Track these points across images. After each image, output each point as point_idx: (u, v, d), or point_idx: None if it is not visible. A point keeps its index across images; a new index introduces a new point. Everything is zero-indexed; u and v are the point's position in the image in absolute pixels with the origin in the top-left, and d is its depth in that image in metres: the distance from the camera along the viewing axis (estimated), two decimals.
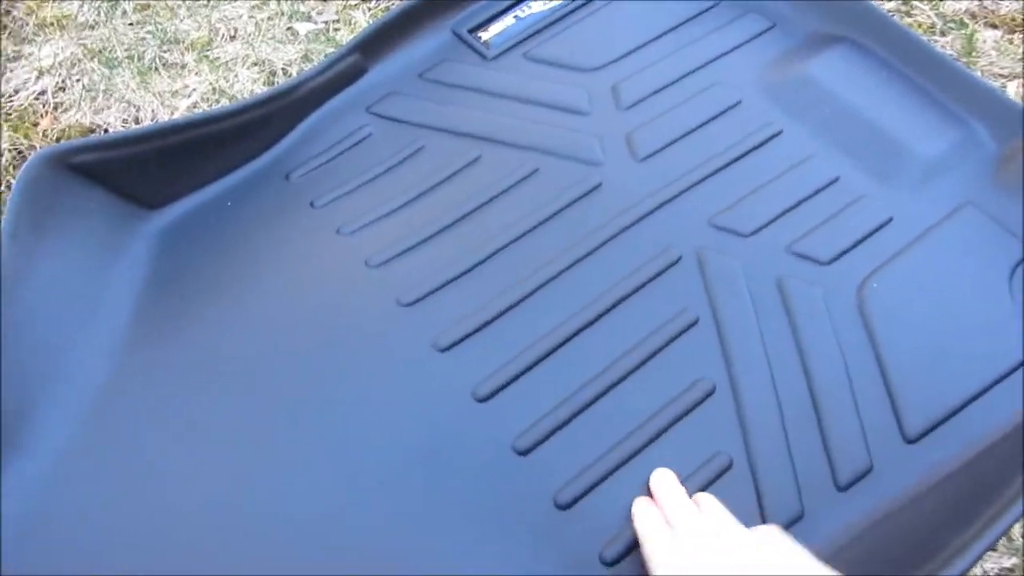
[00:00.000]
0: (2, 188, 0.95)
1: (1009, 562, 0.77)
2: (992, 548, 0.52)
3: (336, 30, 1.08)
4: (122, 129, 1.01)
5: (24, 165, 0.70)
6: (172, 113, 1.01)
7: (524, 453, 0.63)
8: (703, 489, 0.61)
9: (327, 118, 0.87)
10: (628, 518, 0.60)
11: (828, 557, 0.58)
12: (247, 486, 0.62)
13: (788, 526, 0.60)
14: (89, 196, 0.75)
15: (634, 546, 0.59)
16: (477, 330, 0.68)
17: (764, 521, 0.60)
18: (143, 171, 0.77)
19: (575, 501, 0.61)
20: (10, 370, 0.63)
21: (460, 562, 0.59)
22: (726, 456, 0.62)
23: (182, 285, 0.75)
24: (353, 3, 1.11)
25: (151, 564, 0.59)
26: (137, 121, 1.01)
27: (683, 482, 0.61)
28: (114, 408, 0.66)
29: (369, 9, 1.11)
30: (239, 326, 0.71)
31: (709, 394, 0.65)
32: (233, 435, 0.65)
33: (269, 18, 1.09)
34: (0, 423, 0.62)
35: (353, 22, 1.09)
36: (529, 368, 0.66)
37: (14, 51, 0.99)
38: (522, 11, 0.94)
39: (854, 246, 0.72)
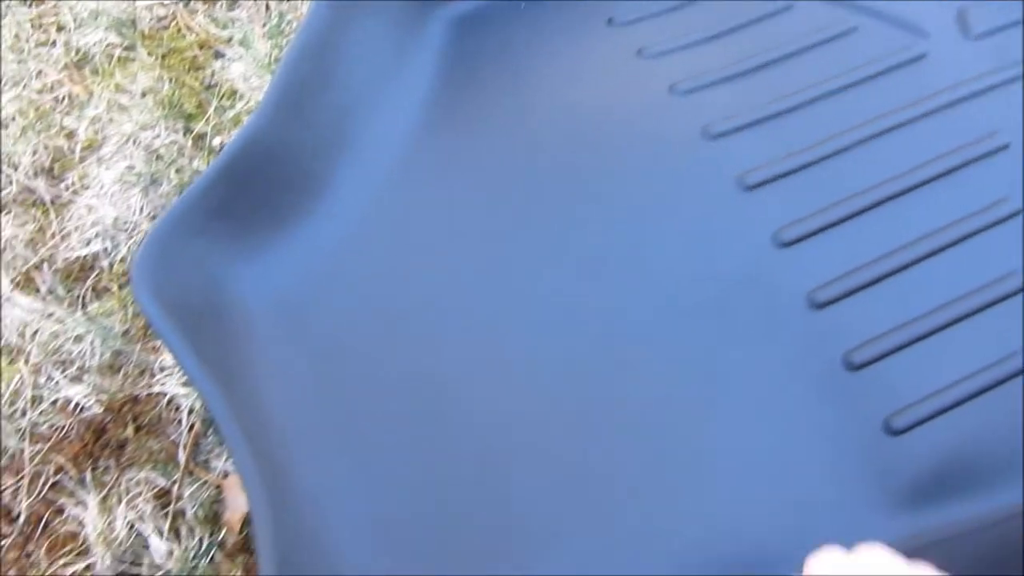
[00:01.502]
0: None
1: None
2: None
3: None
4: None
5: None
6: None
7: (820, 307, 0.61)
8: (1004, 382, 0.59)
9: None
10: (922, 392, 0.58)
11: None
12: (522, 291, 0.63)
13: None
14: None
15: (923, 421, 0.58)
16: (786, 175, 0.66)
17: None
18: None
19: (867, 364, 0.59)
20: (313, 129, 0.64)
21: (736, 410, 0.58)
22: None
23: (474, 76, 0.74)
24: None
25: (419, 341, 0.61)
26: None
27: (984, 371, 0.59)
28: (406, 187, 0.67)
29: None
30: (527, 130, 0.70)
31: (1022, 289, 0.61)
32: (518, 237, 0.65)
33: None
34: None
35: None
36: (836, 223, 0.64)
37: None
38: None
39: None
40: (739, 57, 0.73)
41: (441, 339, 0.62)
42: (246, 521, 0.68)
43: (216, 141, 0.84)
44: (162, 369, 0.74)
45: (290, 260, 0.64)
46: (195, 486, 0.70)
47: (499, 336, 0.62)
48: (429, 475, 0.57)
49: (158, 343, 0.76)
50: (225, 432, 0.52)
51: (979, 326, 0.60)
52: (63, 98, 0.88)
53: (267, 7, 0.92)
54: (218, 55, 0.89)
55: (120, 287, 0.78)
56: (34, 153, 0.84)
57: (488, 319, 0.63)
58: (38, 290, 0.78)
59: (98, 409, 0.73)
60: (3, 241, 0.80)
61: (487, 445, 0.58)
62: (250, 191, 0.62)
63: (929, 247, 0.63)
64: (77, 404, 0.73)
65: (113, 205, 0.81)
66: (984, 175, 0.66)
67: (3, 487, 0.70)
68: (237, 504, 0.68)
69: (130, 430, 0.73)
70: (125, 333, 0.76)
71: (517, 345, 0.62)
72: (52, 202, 0.83)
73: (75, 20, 0.91)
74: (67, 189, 0.84)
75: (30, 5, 0.93)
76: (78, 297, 0.79)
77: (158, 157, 0.83)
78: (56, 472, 0.71)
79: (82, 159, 0.85)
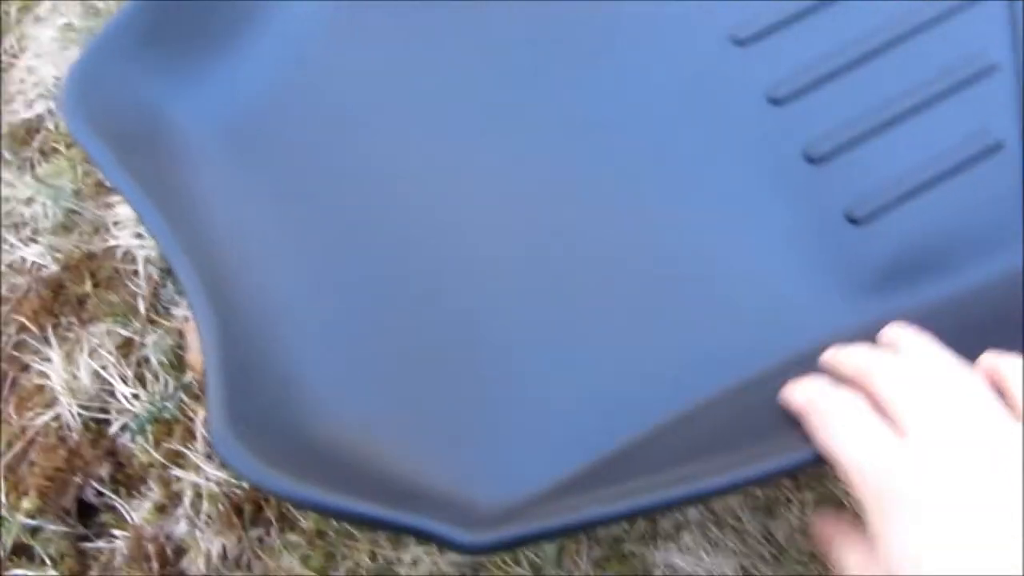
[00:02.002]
0: None
1: None
2: None
3: None
4: None
5: None
6: None
7: (779, 102, 0.59)
8: (964, 167, 0.58)
9: None
10: (883, 181, 0.57)
11: None
12: (483, 113, 0.61)
13: None
14: None
15: (882, 210, 0.57)
16: None
17: None
18: None
19: (827, 156, 0.58)
20: None
21: (700, 212, 0.58)
22: (996, 136, 0.58)
23: None
24: None
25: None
26: None
27: (944, 156, 0.58)
28: (358, 13, 0.64)
29: None
30: None
31: (989, 70, 0.59)
32: (482, 66, 0.63)
33: None
34: None
35: None
36: (793, 18, 0.62)
37: None
38: None
39: None
40: None
41: (401, 160, 0.61)
42: None
43: None
44: (116, 223, 0.73)
45: (231, 85, 0.62)
46: (157, 334, 0.69)
47: (460, 162, 0.60)
48: (393, 309, 0.56)
49: (111, 199, 0.74)
50: (169, 258, 0.51)
51: (942, 111, 0.59)
52: None
53: None
54: None
55: (67, 147, 0.76)
56: None
57: (450, 147, 0.61)
58: None
59: (55, 267, 0.72)
60: None
61: (457, 276, 0.57)
62: (182, 14, 0.60)
63: (890, 35, 0.61)
64: (34, 263, 0.72)
65: (54, 64, 0.78)
66: None
67: None
68: (197, 344, 0.67)
69: (88, 285, 0.71)
70: (77, 192, 0.75)
71: (479, 165, 0.60)
72: None
73: None
74: (6, 53, 0.81)
75: None
76: (26, 160, 0.77)
77: (95, 12, 0.80)
78: (19, 332, 0.70)
79: (18, 21, 0.82)
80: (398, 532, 0.49)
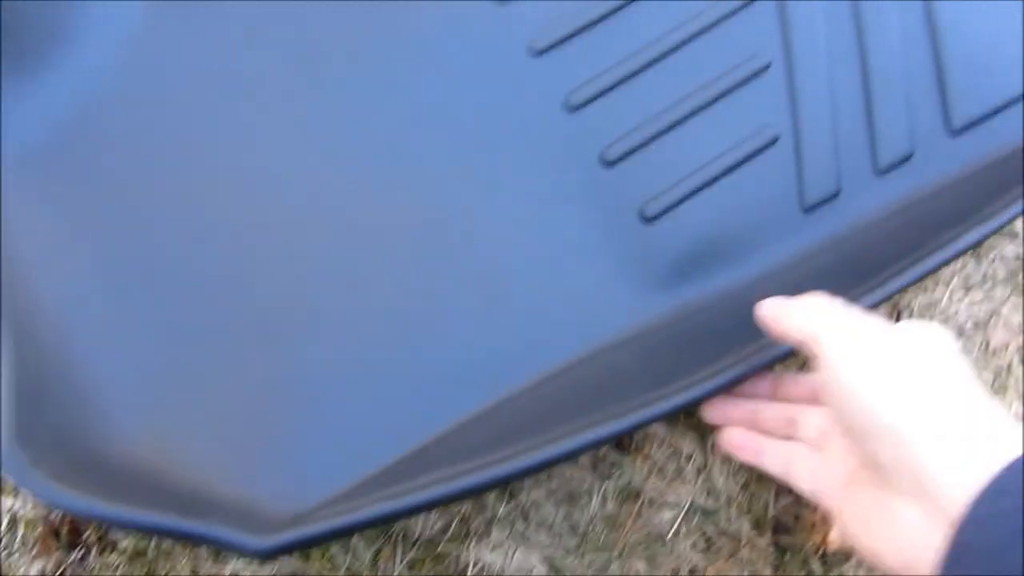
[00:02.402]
0: None
1: None
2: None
3: None
4: None
5: None
6: None
7: (576, 109, 0.63)
8: (745, 161, 0.62)
9: None
10: (671, 180, 0.61)
11: (857, 231, 0.60)
12: (289, 120, 0.63)
13: (822, 203, 0.61)
14: None
15: (673, 206, 0.60)
16: None
17: (801, 198, 0.61)
18: None
19: (621, 159, 0.62)
20: None
21: (500, 214, 0.61)
22: (773, 130, 0.62)
23: None
24: None
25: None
26: None
27: (728, 153, 0.62)
28: (161, 34, 0.64)
29: None
30: None
31: (765, 68, 0.63)
32: (288, 73, 0.64)
33: None
34: None
35: None
36: (588, 26, 0.64)
37: None
38: None
39: None
40: None
41: (203, 177, 0.61)
42: None
43: None
44: None
45: (34, 109, 0.61)
46: None
47: (264, 169, 0.61)
48: (185, 323, 0.57)
49: None
50: None
51: (724, 110, 0.63)
52: None
53: None
54: None
55: None
56: None
57: (256, 156, 0.62)
58: None
59: None
60: None
61: (253, 283, 0.58)
62: None
63: (676, 39, 0.64)
64: None
65: None
66: None
67: None
68: None
69: None
70: None
71: (286, 172, 0.61)
72: None
73: None
74: None
75: None
76: None
77: None
78: None
79: None
80: (185, 540, 0.50)
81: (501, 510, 0.60)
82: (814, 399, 0.47)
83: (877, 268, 0.52)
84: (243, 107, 0.62)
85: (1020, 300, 0.64)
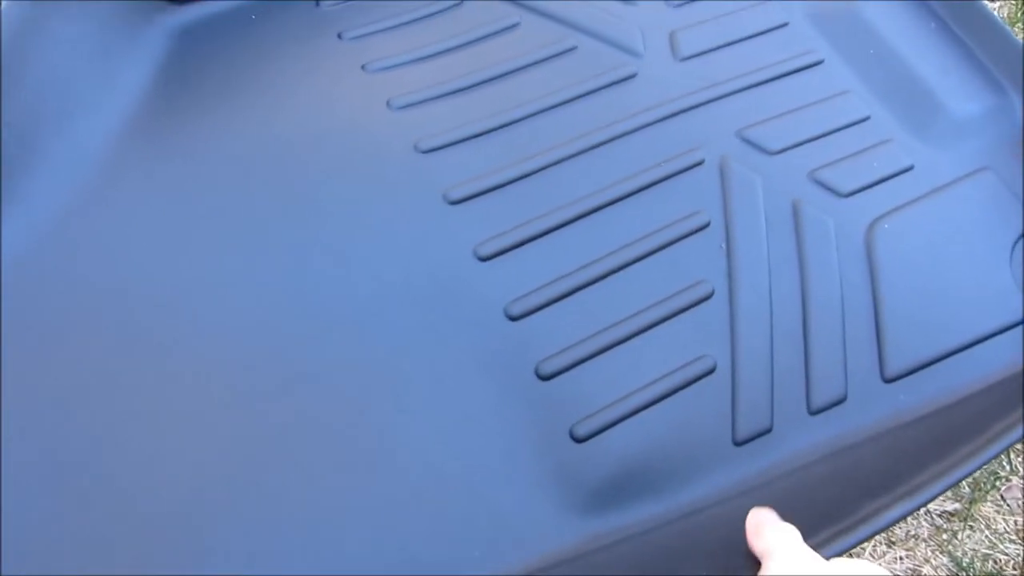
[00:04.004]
0: None
1: (952, 507, 0.79)
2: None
3: None
4: None
5: None
6: None
7: (516, 318, 0.63)
8: (681, 389, 0.62)
9: None
10: (606, 400, 0.61)
11: (788, 472, 0.60)
12: (232, 283, 0.63)
13: (754, 438, 0.61)
14: None
15: (605, 428, 0.60)
16: (490, 190, 0.68)
17: (734, 431, 0.61)
18: None
19: (557, 374, 0.62)
20: (16, 111, 0.62)
21: (427, 416, 0.60)
22: (711, 360, 0.63)
23: (196, 84, 0.73)
24: None
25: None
26: None
27: (664, 378, 0.62)
28: (115, 184, 0.65)
29: None
30: (247, 135, 0.70)
31: (707, 297, 0.65)
32: (226, 236, 0.64)
33: None
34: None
35: None
36: (535, 237, 0.66)
37: None
38: None
39: (873, 185, 0.72)
40: (460, 73, 0.75)
41: (134, 332, 0.61)
42: None
43: None
44: None
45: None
46: None
47: (197, 331, 0.61)
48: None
49: None
50: None
51: (664, 334, 0.64)
52: None
53: None
54: None
55: None
56: None
57: (187, 319, 0.61)
58: None
59: None
60: None
61: (164, 444, 0.57)
62: None
63: (622, 259, 0.66)
64: None
65: None
66: (676, 191, 0.70)
67: None
68: None
69: None
70: None
71: (214, 340, 0.61)
72: None
73: None
74: None
75: None
76: None
77: None
78: None
79: None
80: None
81: None
82: None
83: (811, 520, 0.51)
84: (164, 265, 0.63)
85: (945, 560, 0.64)
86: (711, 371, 0.63)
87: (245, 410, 0.58)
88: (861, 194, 0.72)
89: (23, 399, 0.57)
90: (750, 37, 0.81)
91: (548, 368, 0.62)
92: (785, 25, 0.82)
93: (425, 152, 0.69)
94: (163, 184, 0.66)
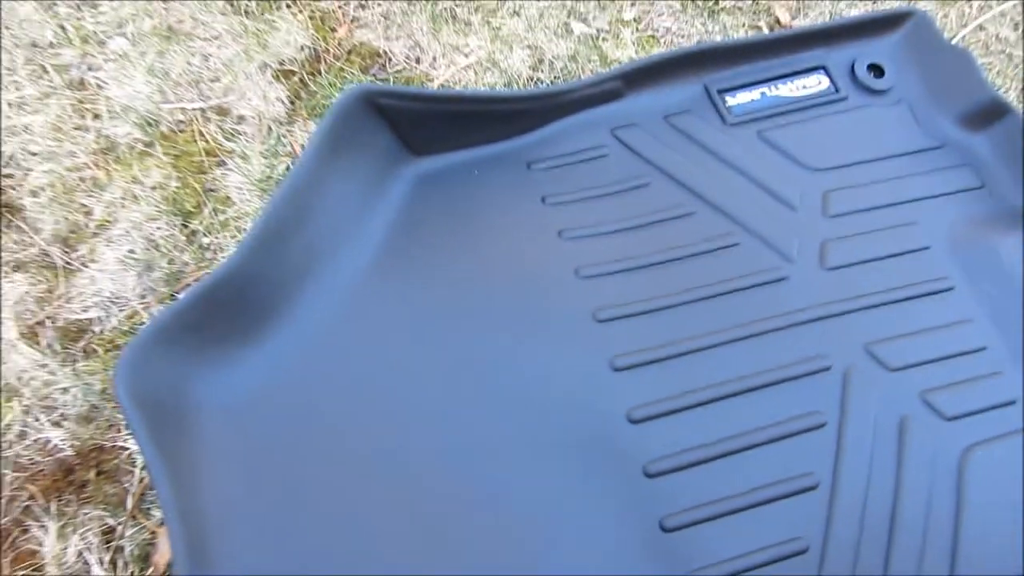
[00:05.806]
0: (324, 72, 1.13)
1: None
2: None
3: (604, 39, 1.21)
4: (404, 61, 1.17)
5: (342, 94, 0.86)
6: (449, 66, 1.16)
7: (652, 476, 0.78)
8: (772, 564, 0.76)
9: (576, 127, 1.01)
10: (715, 558, 0.75)
11: None
12: (425, 418, 0.81)
13: None
14: (379, 133, 0.91)
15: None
16: (649, 363, 0.83)
17: None
18: (425, 124, 0.93)
19: (678, 529, 0.76)
20: (284, 266, 0.81)
21: (565, 552, 0.75)
22: (804, 542, 0.76)
23: (426, 229, 0.91)
24: (625, 19, 1.24)
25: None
26: (418, 61, 1.17)
27: (765, 550, 0.75)
28: (360, 312, 0.84)
29: (636, 30, 1.23)
30: (460, 282, 0.88)
31: (812, 488, 0.78)
32: (435, 368, 0.82)
33: (551, 8, 1.22)
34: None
35: (620, 36, 1.21)
36: (679, 411, 0.81)
37: None
38: (770, 89, 1.05)
39: (976, 413, 0.83)
40: (639, 252, 0.90)
41: (348, 448, 0.79)
42: (169, 564, 0.84)
43: (206, 240, 1.01)
44: (127, 427, 0.90)
45: (242, 373, 0.80)
46: (135, 529, 0.86)
47: (397, 455, 0.79)
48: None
49: None
50: (159, 493, 0.69)
51: (772, 513, 0.77)
52: (87, 179, 1.04)
53: (269, 129, 1.09)
54: (221, 163, 1.06)
55: (105, 351, 0.94)
56: (55, 223, 1.01)
57: (391, 441, 0.79)
58: (39, 343, 0.94)
59: (70, 452, 0.89)
60: (17, 295, 0.96)
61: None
62: (221, 314, 0.79)
63: (746, 442, 0.80)
64: (54, 444, 0.89)
65: (112, 281, 0.97)
66: (803, 390, 0.83)
67: None
68: (165, 549, 0.84)
69: (92, 473, 0.88)
70: (103, 391, 0.92)
71: (408, 464, 0.78)
72: (63, 268, 0.99)
73: (108, 111, 1.07)
74: (77, 259, 1.00)
75: (75, 90, 1.10)
76: (71, 354, 0.95)
77: (156, 246, 0.99)
78: (28, 499, 0.87)
79: (94, 235, 1.01)
80: None
81: None
82: None
83: None
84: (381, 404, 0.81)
85: None
86: (804, 551, 0.75)
87: (435, 519, 0.75)
88: (964, 419, 0.83)
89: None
90: (892, 256, 0.93)
91: (671, 523, 0.76)
92: (926, 249, 0.93)
93: (601, 322, 0.85)
94: (396, 312, 0.85)
